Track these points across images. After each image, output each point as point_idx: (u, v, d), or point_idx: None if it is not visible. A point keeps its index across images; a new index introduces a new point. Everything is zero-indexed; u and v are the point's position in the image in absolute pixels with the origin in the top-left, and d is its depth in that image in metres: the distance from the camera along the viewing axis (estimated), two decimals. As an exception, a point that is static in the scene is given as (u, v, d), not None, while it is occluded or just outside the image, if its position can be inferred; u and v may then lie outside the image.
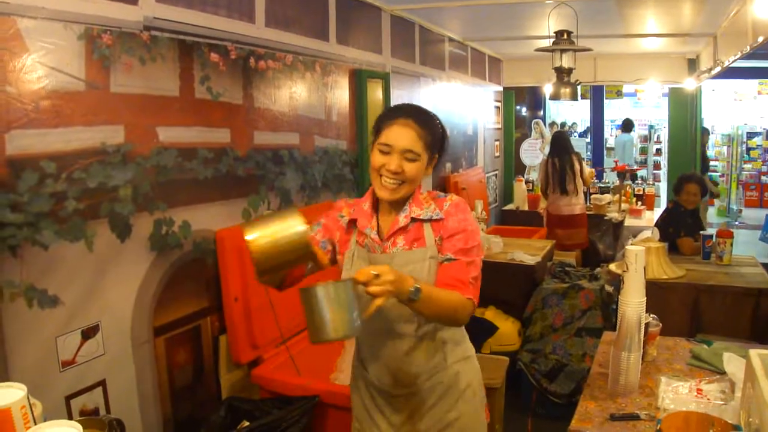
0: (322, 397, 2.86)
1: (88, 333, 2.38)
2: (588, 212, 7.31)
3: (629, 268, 2.38)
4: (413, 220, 1.91)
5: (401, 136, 1.85)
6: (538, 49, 4.97)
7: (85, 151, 2.34)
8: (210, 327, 3.07)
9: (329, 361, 3.48)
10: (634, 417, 2.04)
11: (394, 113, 1.91)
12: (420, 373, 1.97)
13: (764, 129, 14.11)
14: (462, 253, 1.86)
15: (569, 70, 4.81)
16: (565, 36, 4.70)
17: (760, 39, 3.47)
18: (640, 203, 7.87)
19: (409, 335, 1.94)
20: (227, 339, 3.12)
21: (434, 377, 1.98)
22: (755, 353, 1.74)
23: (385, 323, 1.92)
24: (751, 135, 13.80)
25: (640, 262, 2.38)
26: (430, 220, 1.91)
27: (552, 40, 4.94)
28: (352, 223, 1.98)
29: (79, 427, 1.18)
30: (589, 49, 5.01)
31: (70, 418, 2.23)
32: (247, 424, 2.77)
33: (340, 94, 4.18)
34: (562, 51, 4.71)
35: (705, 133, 10.02)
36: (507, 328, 4.53)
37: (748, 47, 3.86)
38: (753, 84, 14.73)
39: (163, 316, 2.77)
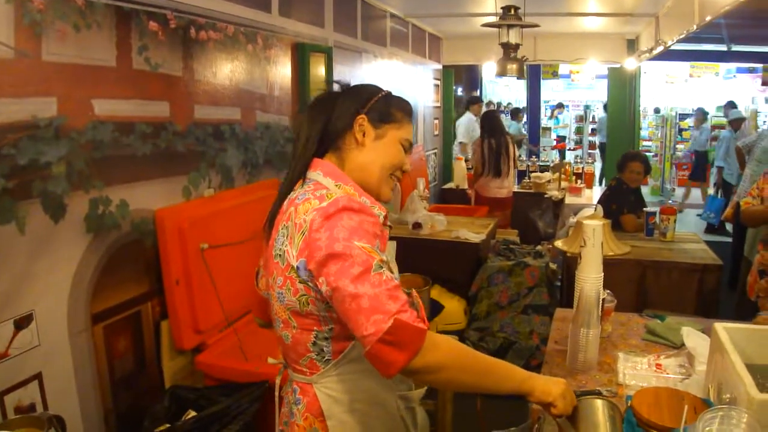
0: (272, 382, 2.75)
1: (22, 323, 2.20)
2: (528, 190, 7.35)
3: (587, 243, 2.34)
4: None
5: None
6: (484, 24, 4.92)
7: (14, 124, 2.14)
8: (151, 312, 2.91)
9: (277, 346, 3.36)
10: (597, 393, 2.01)
11: (411, 111, 1.67)
12: None
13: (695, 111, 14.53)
14: None
15: (516, 46, 4.77)
16: (512, 12, 4.65)
17: (708, 18, 3.49)
18: (579, 181, 7.94)
19: None
20: (169, 324, 2.97)
21: None
22: (720, 326, 1.73)
23: None
24: (683, 116, 14.19)
25: (598, 237, 2.35)
26: None
27: (496, 17, 4.88)
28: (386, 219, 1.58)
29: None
30: (536, 25, 4.99)
31: (5, 416, 2.08)
32: (193, 413, 2.64)
33: (282, 68, 4.04)
34: (509, 26, 4.66)
35: None
36: (453, 306, 4.50)
37: (695, 26, 3.88)
38: (685, 67, 15.06)
39: (102, 302, 2.60)
